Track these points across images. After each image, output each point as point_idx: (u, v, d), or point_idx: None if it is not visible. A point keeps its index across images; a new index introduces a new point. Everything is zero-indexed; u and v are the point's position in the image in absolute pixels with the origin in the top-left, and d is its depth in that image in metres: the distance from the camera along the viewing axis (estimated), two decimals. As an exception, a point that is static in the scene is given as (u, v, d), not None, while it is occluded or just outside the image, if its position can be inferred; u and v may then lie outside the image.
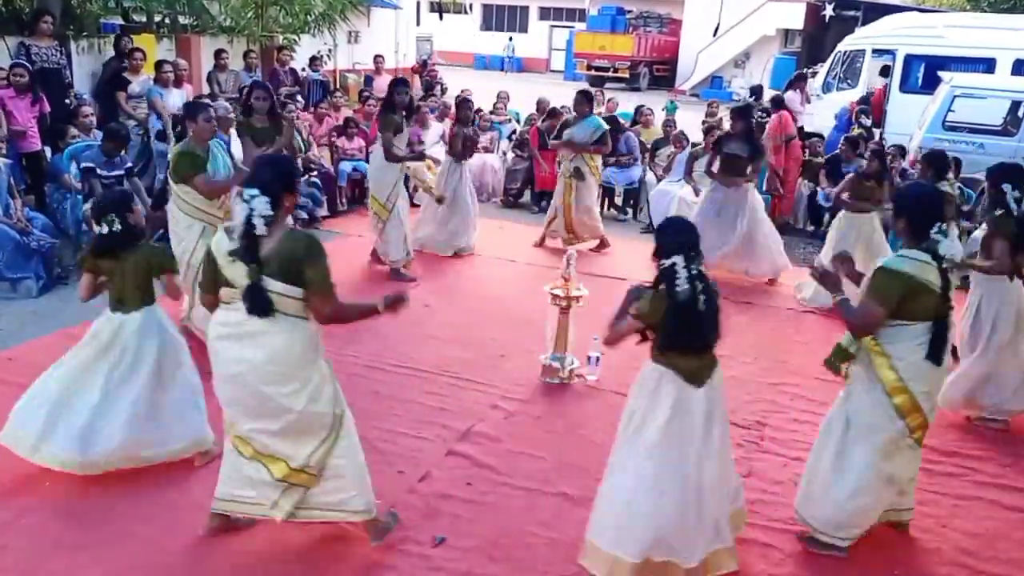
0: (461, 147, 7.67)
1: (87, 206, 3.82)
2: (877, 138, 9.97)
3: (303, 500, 3.20)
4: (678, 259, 3.05)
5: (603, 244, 8.14)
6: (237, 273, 2.98)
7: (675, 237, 3.16)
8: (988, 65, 11.68)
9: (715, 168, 7.26)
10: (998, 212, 4.59)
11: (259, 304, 2.95)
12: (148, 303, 3.73)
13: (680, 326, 3.06)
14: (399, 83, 6.97)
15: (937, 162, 6.06)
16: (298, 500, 3.19)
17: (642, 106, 10.99)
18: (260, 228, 2.94)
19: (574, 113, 8.07)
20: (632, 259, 7.67)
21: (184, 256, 4.87)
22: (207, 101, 6.78)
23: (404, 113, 6.85)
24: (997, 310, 4.67)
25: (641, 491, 3.09)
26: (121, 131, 6.79)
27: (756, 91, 12.67)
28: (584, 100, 7.82)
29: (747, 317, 6.42)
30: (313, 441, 3.12)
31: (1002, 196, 4.53)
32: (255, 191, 2.95)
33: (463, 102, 8.40)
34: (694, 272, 3.05)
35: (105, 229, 3.59)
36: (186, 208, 4.98)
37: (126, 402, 3.65)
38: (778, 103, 9.98)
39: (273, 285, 2.95)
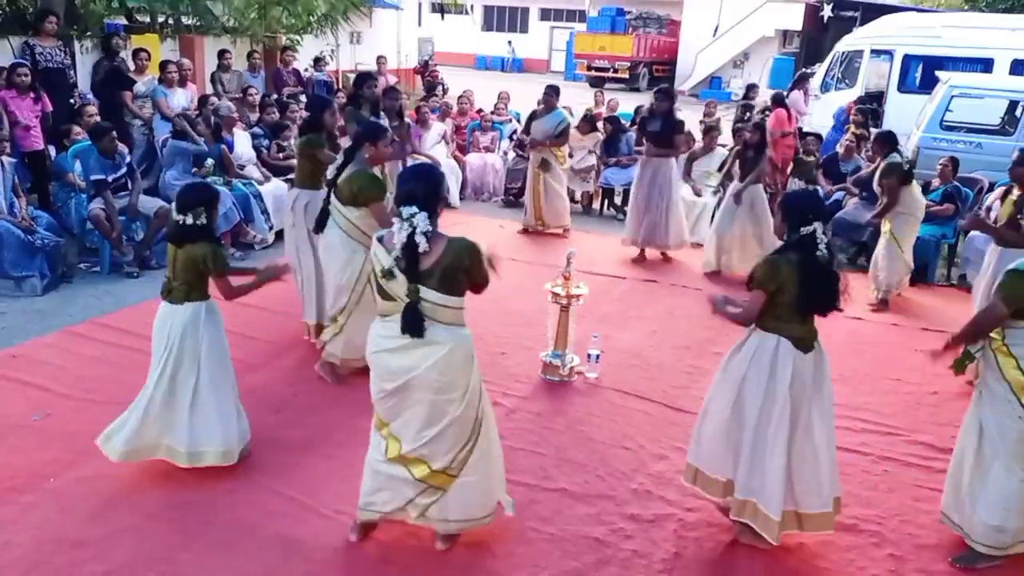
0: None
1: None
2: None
3: (436, 504, 3.21)
4: (818, 225, 3.25)
5: (566, 231, 8.60)
6: (397, 288, 2.99)
7: (812, 205, 3.36)
8: (986, 65, 11.72)
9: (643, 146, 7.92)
10: None
11: (414, 326, 2.96)
12: (195, 299, 3.65)
13: (817, 289, 3.25)
14: (366, 76, 6.94)
15: (887, 139, 6.77)
16: (432, 502, 3.20)
17: (641, 106, 11.02)
18: (423, 245, 2.93)
19: (542, 106, 8.35)
20: (627, 256, 7.71)
21: (351, 282, 4.53)
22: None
23: (378, 109, 6.76)
24: None
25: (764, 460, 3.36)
26: (103, 125, 6.81)
27: (751, 89, 12.75)
28: (552, 94, 8.25)
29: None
30: (458, 444, 3.14)
31: None
32: (413, 208, 2.94)
33: (388, 90, 7.90)
34: (828, 238, 3.27)
35: (189, 220, 3.53)
36: (355, 233, 4.50)
37: (162, 393, 3.66)
38: (778, 100, 10.16)
39: (433, 296, 2.97)
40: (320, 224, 4.61)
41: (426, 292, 2.96)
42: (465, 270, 3.03)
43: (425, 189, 3.00)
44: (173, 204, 3.61)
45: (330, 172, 4.62)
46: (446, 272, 2.98)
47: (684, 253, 7.91)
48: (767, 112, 10.42)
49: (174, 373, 3.64)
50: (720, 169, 8.25)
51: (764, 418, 3.35)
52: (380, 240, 3.06)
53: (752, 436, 3.39)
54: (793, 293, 3.24)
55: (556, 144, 8.34)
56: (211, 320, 3.70)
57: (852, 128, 9.61)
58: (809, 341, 3.34)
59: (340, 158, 4.57)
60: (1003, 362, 3.33)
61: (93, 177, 6.48)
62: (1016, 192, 5.22)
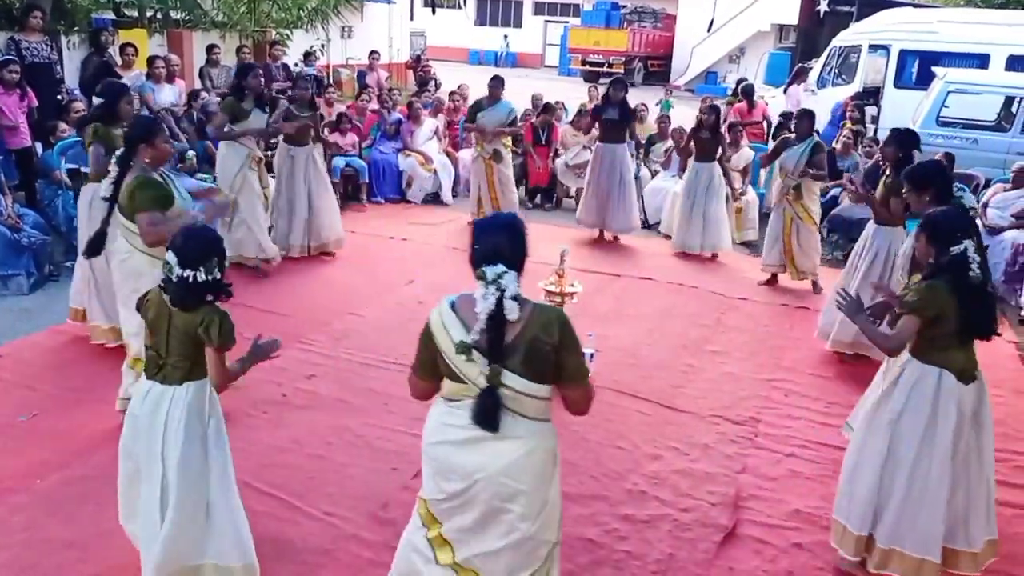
0: (297, 131, 6.80)
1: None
2: (873, 133, 10.00)
3: None
4: (968, 244, 3.03)
5: None
6: (471, 369, 2.37)
7: (959, 222, 3.12)
8: (982, 61, 11.69)
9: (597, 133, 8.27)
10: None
11: (489, 417, 2.34)
12: (197, 376, 2.88)
13: (977, 313, 3.05)
14: (249, 68, 6.75)
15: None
16: None
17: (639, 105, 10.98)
18: (514, 314, 2.34)
19: (487, 96, 8.28)
20: (625, 254, 7.68)
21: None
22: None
23: (262, 101, 6.55)
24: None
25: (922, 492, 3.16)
26: (88, 116, 6.72)
27: (740, 83, 12.78)
28: (498, 84, 8.25)
29: (742, 313, 6.43)
30: (523, 571, 2.49)
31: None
32: (500, 267, 2.35)
33: (299, 79, 7.87)
34: (979, 257, 3.05)
35: (202, 275, 2.73)
36: (160, 251, 3.61)
37: (155, 501, 2.86)
38: (746, 92, 11.08)
39: (514, 382, 2.35)
40: (94, 247, 4.03)
41: (507, 376, 2.35)
42: (554, 348, 2.38)
43: (512, 242, 2.43)
44: (171, 256, 2.75)
45: (105, 188, 3.98)
46: (532, 349, 2.35)
47: (654, 243, 8.04)
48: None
49: (180, 477, 2.84)
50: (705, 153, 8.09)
51: (923, 461, 3.13)
52: (453, 307, 2.43)
53: (907, 481, 3.16)
54: (953, 320, 3.03)
55: (509, 134, 8.45)
56: (215, 403, 2.97)
57: (848, 124, 9.59)
58: (971, 371, 3.15)
59: (114, 169, 3.93)
60: None
61: (68, 166, 6.43)
62: (889, 173, 5.23)
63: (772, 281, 7.15)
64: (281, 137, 6.91)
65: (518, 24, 35.94)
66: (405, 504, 3.65)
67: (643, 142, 9.82)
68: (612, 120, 7.88)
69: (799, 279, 7.03)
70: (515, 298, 2.35)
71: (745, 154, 9.07)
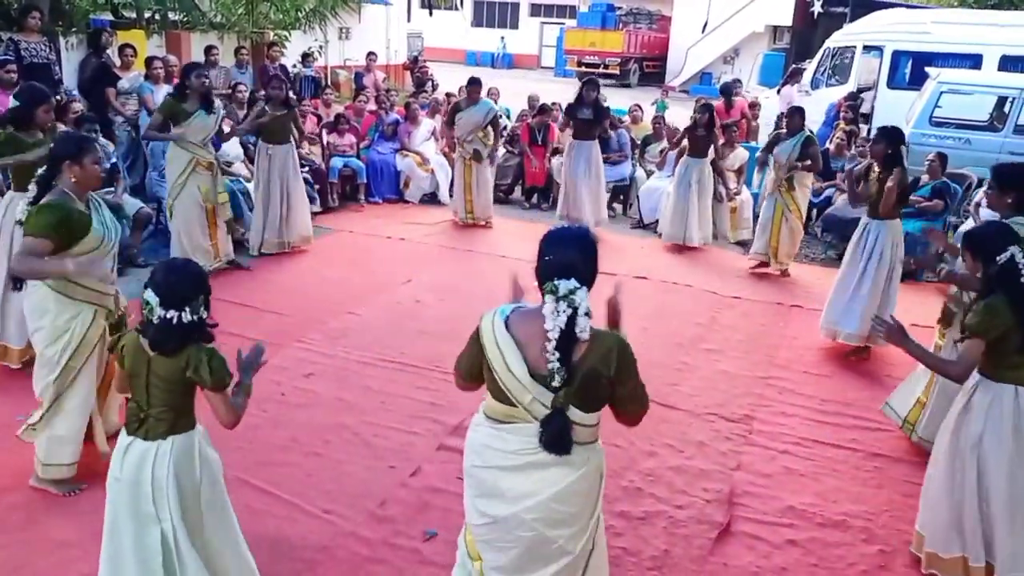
0: (273, 129, 7.02)
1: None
2: (865, 133, 10.03)
3: None
4: (1015, 251, 2.97)
5: (489, 223, 8.65)
6: (520, 386, 2.24)
7: (1000, 231, 3.06)
8: (975, 61, 11.73)
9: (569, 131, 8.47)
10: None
11: (561, 441, 2.23)
12: (183, 429, 2.63)
13: None
14: (193, 67, 6.51)
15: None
16: None
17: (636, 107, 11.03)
18: (585, 333, 2.21)
19: (465, 98, 8.54)
20: (622, 255, 7.70)
21: (63, 356, 3.43)
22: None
23: (208, 102, 6.26)
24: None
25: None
26: (85, 115, 6.73)
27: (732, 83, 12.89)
28: (477, 86, 8.48)
29: (736, 312, 6.46)
30: None
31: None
32: (573, 282, 2.20)
33: (272, 78, 7.88)
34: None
35: (187, 316, 2.46)
36: (73, 290, 3.39)
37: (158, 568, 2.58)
38: (723, 91, 11.31)
39: (570, 413, 2.26)
40: (15, 279, 3.56)
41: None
42: (610, 380, 2.26)
43: (586, 256, 2.28)
44: (151, 295, 2.45)
45: (20, 211, 3.50)
46: (588, 380, 2.23)
47: (649, 243, 8.10)
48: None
49: (189, 536, 2.60)
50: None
51: (1018, 481, 3.06)
52: (507, 324, 2.31)
53: (1007, 506, 3.07)
54: (1019, 335, 2.97)
55: (485, 133, 8.51)
56: (207, 458, 2.68)
57: (842, 124, 9.64)
58: None
59: (32, 190, 3.46)
60: None
61: None
62: (876, 169, 5.45)
63: (763, 265, 7.43)
64: (260, 135, 7.13)
65: (514, 25, 35.97)
66: (403, 502, 3.69)
67: (639, 143, 9.88)
68: (586, 119, 8.12)
69: (779, 269, 7.39)
70: (587, 315, 2.20)
71: (740, 154, 9.12)
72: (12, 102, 5.49)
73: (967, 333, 3.02)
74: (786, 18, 24.99)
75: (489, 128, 8.50)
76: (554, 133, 9.85)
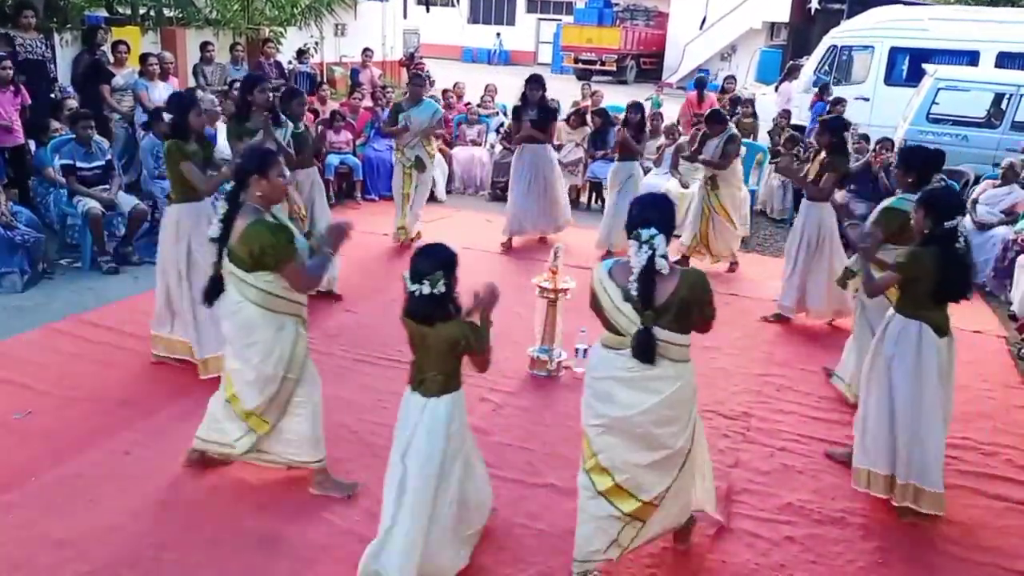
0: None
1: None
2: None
3: (637, 537, 3.12)
4: (960, 219, 3.50)
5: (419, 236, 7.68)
6: (626, 318, 2.87)
7: (956, 201, 3.66)
8: (972, 58, 11.75)
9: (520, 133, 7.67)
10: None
11: (648, 352, 2.83)
12: (453, 388, 3.00)
13: (956, 279, 3.52)
14: (255, 80, 5.91)
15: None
16: (634, 536, 3.10)
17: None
18: (665, 269, 2.81)
19: (407, 96, 7.55)
20: (616, 252, 7.70)
21: (279, 370, 3.49)
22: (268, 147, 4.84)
23: (269, 116, 5.68)
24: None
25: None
26: (81, 111, 6.73)
27: (727, 80, 12.85)
28: (421, 82, 7.73)
29: (734, 309, 6.46)
30: (668, 477, 3.04)
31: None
32: (653, 230, 2.82)
33: (290, 92, 6.36)
34: (965, 233, 3.52)
35: (426, 288, 2.83)
36: (278, 304, 3.44)
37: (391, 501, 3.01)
38: (699, 84, 11.53)
39: (664, 335, 2.85)
40: (210, 295, 3.54)
41: (658, 331, 2.83)
42: (700, 305, 2.89)
43: (661, 215, 2.90)
44: (406, 272, 2.86)
45: (214, 229, 3.42)
46: (682, 308, 2.84)
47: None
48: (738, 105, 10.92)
49: (441, 481, 2.99)
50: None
51: (917, 400, 3.59)
52: (610, 273, 2.93)
53: (909, 420, 3.61)
54: (933, 283, 3.51)
55: (432, 132, 7.57)
56: (464, 415, 3.10)
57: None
58: (945, 327, 3.63)
59: (223, 207, 3.41)
60: None
61: (61, 162, 6.42)
62: (823, 155, 5.85)
63: (684, 259, 7.30)
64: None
65: (511, 22, 35.94)
66: (401, 499, 3.67)
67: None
68: (533, 121, 7.50)
69: (713, 262, 7.38)
70: (665, 256, 2.80)
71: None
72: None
73: (894, 267, 3.66)
74: (783, 14, 25.05)
75: (431, 136, 7.57)
76: (553, 130, 9.81)
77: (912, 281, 3.57)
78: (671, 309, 2.83)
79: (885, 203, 4.57)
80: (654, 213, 2.90)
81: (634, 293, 2.81)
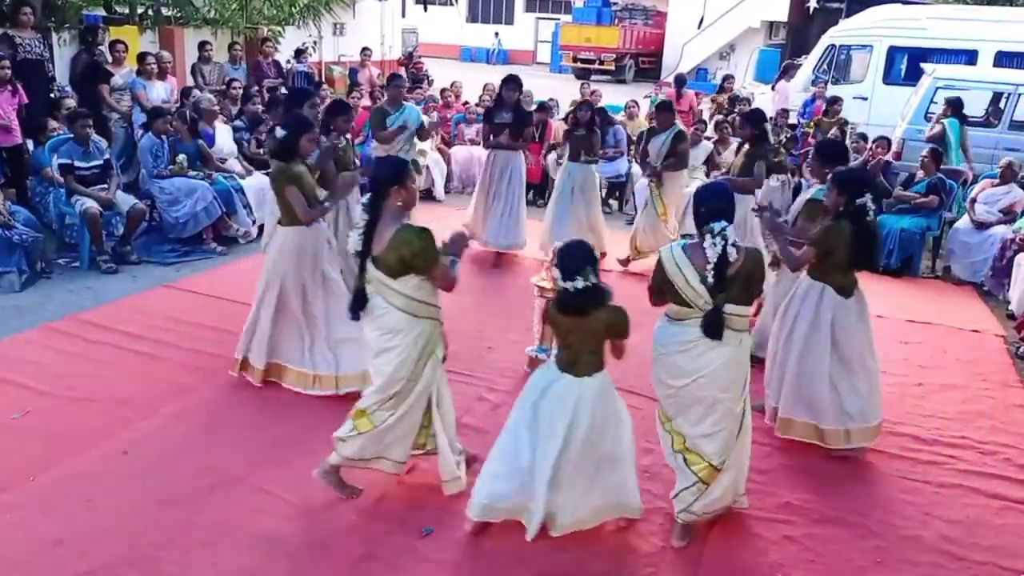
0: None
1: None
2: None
3: (699, 500, 3.43)
4: (868, 197, 3.88)
5: None
6: (695, 292, 3.23)
7: (866, 180, 4.14)
8: (970, 57, 11.77)
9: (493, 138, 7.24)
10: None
11: (718, 329, 3.20)
12: (601, 367, 3.33)
13: (865, 249, 3.96)
14: (303, 96, 5.65)
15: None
16: (696, 499, 3.42)
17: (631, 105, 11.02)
18: (733, 256, 3.17)
19: (386, 99, 7.22)
20: (618, 251, 7.69)
21: (407, 371, 3.50)
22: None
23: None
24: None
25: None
26: (79, 111, 6.72)
27: (726, 79, 12.89)
28: (401, 83, 7.25)
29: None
30: (731, 439, 3.40)
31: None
32: (723, 222, 3.19)
33: (339, 106, 6.03)
34: (875, 207, 3.93)
35: (580, 283, 3.10)
36: (421, 310, 3.47)
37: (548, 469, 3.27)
38: (678, 82, 11.84)
39: (729, 308, 3.21)
40: (356, 307, 3.57)
41: (726, 307, 3.20)
42: (758, 280, 3.34)
43: (728, 203, 3.28)
44: (555, 271, 3.17)
45: (353, 242, 3.49)
46: (746, 282, 3.24)
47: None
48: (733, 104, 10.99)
49: (584, 452, 3.28)
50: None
51: (808, 348, 4.09)
52: (685, 251, 3.27)
53: (797, 363, 4.13)
54: (844, 254, 3.92)
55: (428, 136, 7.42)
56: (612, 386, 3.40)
57: (812, 122, 9.94)
58: (850, 289, 4.08)
59: (363, 218, 3.46)
60: None
61: (59, 161, 6.42)
62: (747, 147, 6.21)
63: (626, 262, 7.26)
64: None
65: (509, 21, 35.92)
66: (400, 499, 3.68)
67: (635, 139, 9.86)
68: (507, 125, 7.02)
69: (635, 257, 7.22)
70: (735, 245, 3.19)
71: (703, 147, 9.02)
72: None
73: (809, 241, 4.01)
74: (782, 14, 25.11)
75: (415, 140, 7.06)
76: (551, 130, 9.83)
77: (829, 252, 3.93)
78: (737, 282, 3.21)
79: (808, 194, 4.82)
80: (722, 203, 3.25)
81: (711, 280, 3.17)
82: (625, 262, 7.30)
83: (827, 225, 3.98)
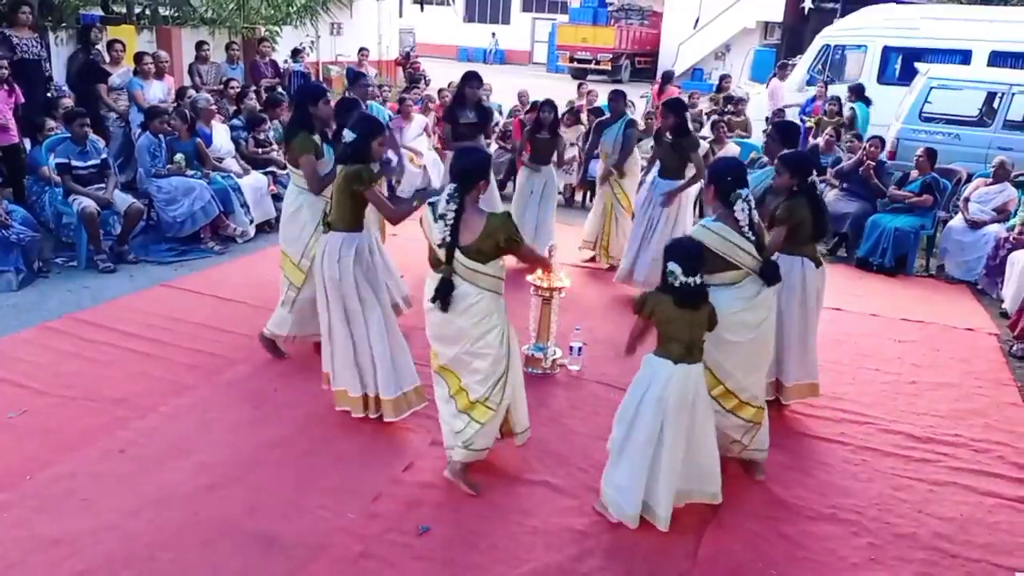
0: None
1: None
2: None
3: (755, 439, 3.93)
4: (815, 178, 4.39)
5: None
6: (745, 252, 3.65)
7: (812, 161, 4.71)
8: (964, 56, 11.80)
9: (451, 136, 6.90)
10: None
11: (776, 276, 3.73)
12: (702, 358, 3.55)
13: (821, 220, 4.35)
14: (318, 92, 5.01)
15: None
16: (752, 437, 3.91)
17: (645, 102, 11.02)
18: (757, 217, 3.72)
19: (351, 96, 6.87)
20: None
21: (507, 347, 3.77)
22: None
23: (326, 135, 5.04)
24: None
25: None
26: (76, 110, 6.72)
27: (724, 79, 12.90)
28: (367, 83, 7.18)
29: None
30: (769, 376, 4.19)
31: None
32: (746, 190, 3.65)
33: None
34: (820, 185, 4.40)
35: (698, 279, 3.35)
36: (500, 287, 3.77)
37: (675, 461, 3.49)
38: (664, 78, 11.97)
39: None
40: (444, 296, 3.63)
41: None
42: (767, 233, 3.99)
43: (745, 172, 3.79)
44: (675, 266, 3.35)
45: (437, 235, 3.60)
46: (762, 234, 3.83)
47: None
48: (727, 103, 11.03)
49: (690, 434, 3.49)
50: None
51: (803, 319, 4.46)
52: (720, 224, 3.67)
53: (798, 335, 4.47)
54: (809, 226, 4.30)
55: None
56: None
57: (811, 119, 9.89)
58: (819, 260, 4.48)
59: (450, 210, 3.54)
60: None
61: (56, 160, 6.42)
62: (669, 137, 6.24)
63: (593, 259, 7.20)
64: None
65: (506, 21, 35.96)
66: (396, 497, 3.69)
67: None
68: (470, 123, 6.69)
69: (608, 263, 7.08)
70: (754, 208, 3.68)
71: (731, 149, 9.13)
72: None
73: (777, 224, 4.22)
74: (777, 14, 25.17)
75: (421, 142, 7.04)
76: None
77: (796, 227, 4.24)
78: (762, 236, 3.74)
79: (765, 184, 4.92)
80: (741, 172, 3.73)
81: (751, 239, 3.63)
82: (593, 259, 7.29)
83: (788, 203, 4.25)
